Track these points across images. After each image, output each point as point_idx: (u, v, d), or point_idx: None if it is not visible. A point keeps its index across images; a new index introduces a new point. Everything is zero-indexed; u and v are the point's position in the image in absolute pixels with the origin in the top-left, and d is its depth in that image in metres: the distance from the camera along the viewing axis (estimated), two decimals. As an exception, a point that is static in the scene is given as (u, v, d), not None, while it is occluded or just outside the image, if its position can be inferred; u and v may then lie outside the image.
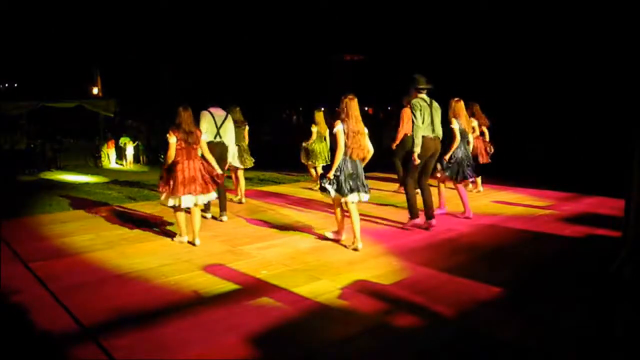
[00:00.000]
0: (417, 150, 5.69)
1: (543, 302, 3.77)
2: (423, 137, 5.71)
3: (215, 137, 6.41)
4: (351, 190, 4.96)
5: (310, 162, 8.80)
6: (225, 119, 6.59)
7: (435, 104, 5.91)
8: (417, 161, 5.72)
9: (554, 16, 12.22)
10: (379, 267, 4.53)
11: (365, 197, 5.07)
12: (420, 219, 5.92)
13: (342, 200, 5.06)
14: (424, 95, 5.84)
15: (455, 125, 6.33)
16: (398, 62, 16.42)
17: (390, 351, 3.06)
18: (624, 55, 10.10)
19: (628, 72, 9.35)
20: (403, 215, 6.49)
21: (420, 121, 5.67)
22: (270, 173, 11.50)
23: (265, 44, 20.69)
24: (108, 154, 15.65)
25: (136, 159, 15.86)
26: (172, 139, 5.10)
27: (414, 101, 5.80)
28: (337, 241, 5.36)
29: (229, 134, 6.63)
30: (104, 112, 15.83)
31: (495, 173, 9.12)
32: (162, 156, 6.54)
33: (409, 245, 5.25)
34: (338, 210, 5.27)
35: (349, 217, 5.14)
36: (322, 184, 5.04)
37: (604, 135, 10.63)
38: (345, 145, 4.93)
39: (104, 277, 4.31)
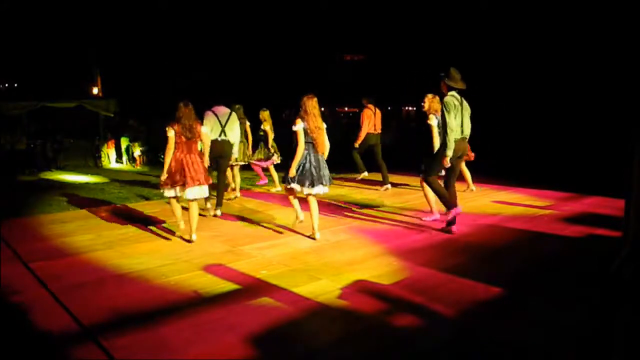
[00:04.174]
0: (449, 153, 5.33)
1: (543, 302, 3.77)
2: None
3: (220, 135, 6.68)
4: (313, 183, 5.20)
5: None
6: (230, 116, 6.84)
7: (465, 104, 5.54)
8: (448, 164, 5.42)
9: (555, 16, 12.22)
10: (379, 267, 4.53)
11: (324, 189, 5.31)
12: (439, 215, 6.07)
13: (306, 192, 5.28)
14: (455, 93, 5.44)
15: (433, 121, 6.39)
16: (398, 62, 16.44)
17: (390, 351, 3.06)
18: (624, 55, 10.11)
19: (628, 72, 9.36)
20: (402, 216, 6.49)
21: (454, 123, 5.32)
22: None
23: (265, 44, 20.71)
24: (108, 154, 15.65)
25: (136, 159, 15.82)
26: (171, 133, 5.25)
27: (447, 100, 5.36)
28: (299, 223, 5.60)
29: (235, 132, 6.89)
30: (104, 112, 15.80)
31: (496, 173, 9.12)
32: (162, 156, 6.57)
33: (409, 245, 5.25)
34: (292, 198, 5.52)
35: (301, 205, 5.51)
36: (288, 180, 5.30)
37: (603, 135, 10.63)
38: (305, 142, 5.21)
39: (103, 277, 4.31)
